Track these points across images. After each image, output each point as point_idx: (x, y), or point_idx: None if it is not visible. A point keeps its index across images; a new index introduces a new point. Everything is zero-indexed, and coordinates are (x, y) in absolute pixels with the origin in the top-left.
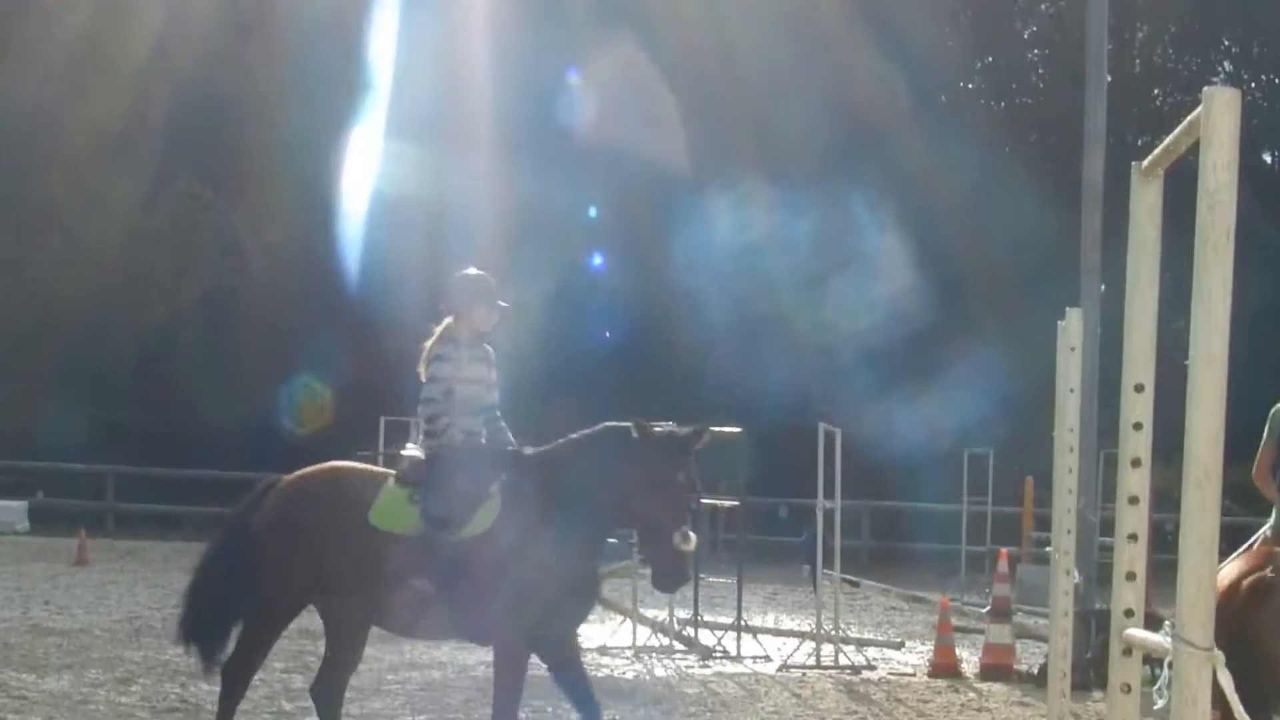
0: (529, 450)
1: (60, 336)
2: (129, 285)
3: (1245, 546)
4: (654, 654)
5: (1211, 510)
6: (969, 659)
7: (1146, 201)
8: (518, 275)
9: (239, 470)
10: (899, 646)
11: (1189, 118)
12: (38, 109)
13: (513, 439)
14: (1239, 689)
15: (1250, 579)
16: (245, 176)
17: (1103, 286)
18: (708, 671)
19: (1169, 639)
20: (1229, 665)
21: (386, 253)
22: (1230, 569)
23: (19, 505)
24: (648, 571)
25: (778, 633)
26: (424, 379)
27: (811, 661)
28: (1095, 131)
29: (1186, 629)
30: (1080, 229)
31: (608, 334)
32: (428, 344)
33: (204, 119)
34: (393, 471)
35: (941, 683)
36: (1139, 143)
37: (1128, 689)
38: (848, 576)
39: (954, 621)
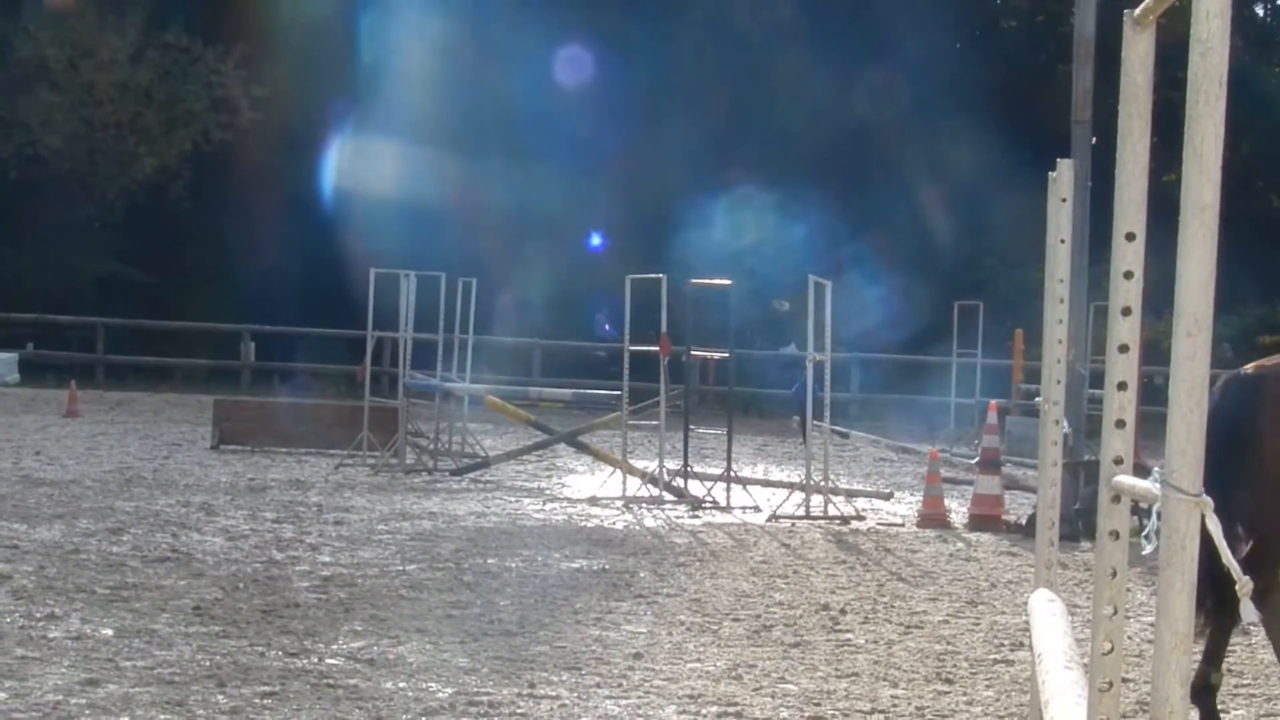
0: None
1: (49, 190)
2: (118, 138)
3: None
4: (644, 504)
5: (1201, 359)
6: (957, 510)
7: (1138, 50)
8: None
9: (227, 322)
10: (888, 497)
11: None
12: None
13: None
14: None
15: None
16: (234, 29)
17: (1094, 140)
18: (697, 522)
19: (1158, 486)
20: None
21: (375, 102)
22: None
23: (9, 357)
24: (638, 423)
25: (767, 483)
26: None
27: (801, 512)
28: None
29: (1176, 475)
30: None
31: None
32: None
33: None
34: None
35: (930, 533)
36: None
37: (1116, 536)
38: (837, 428)
39: (943, 472)
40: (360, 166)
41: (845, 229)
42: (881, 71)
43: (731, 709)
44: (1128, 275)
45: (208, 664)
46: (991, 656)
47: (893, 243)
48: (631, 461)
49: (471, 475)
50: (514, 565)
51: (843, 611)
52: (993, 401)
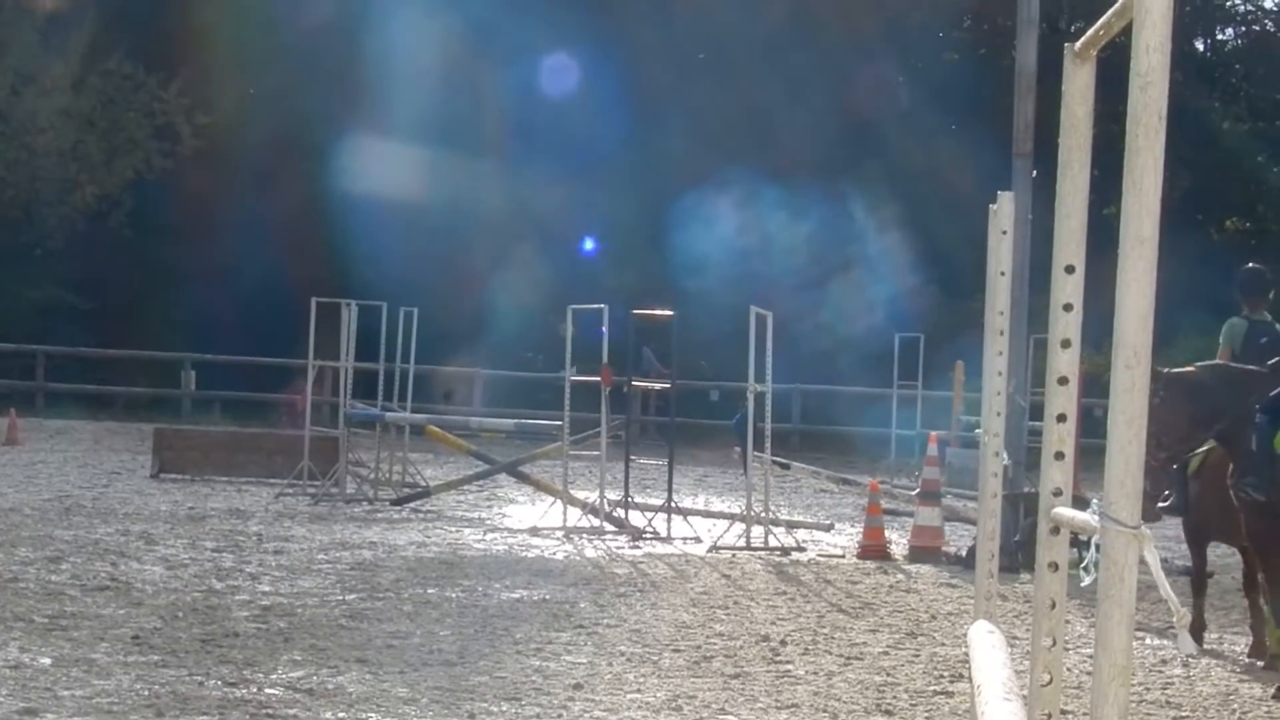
0: None
1: None
2: (59, 165)
3: None
4: (584, 535)
5: (1140, 391)
6: (898, 541)
7: (1079, 83)
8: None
9: (167, 350)
10: (828, 528)
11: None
12: None
13: None
14: None
15: None
16: (177, 56)
17: (1034, 173)
18: (638, 552)
19: (1097, 518)
20: None
21: (317, 131)
22: None
23: None
24: (579, 454)
25: (708, 514)
26: None
27: (741, 543)
28: (1029, 16)
29: (1114, 507)
30: (1013, 112)
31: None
32: None
33: None
34: None
35: (870, 564)
36: (1072, 29)
37: (1055, 567)
38: (778, 459)
39: (883, 504)
40: (311, 191)
41: (794, 258)
42: (823, 104)
43: None
44: (1067, 308)
45: (146, 693)
46: (931, 688)
47: (836, 271)
48: (572, 492)
49: (412, 505)
50: (454, 595)
51: (783, 643)
52: (933, 433)
